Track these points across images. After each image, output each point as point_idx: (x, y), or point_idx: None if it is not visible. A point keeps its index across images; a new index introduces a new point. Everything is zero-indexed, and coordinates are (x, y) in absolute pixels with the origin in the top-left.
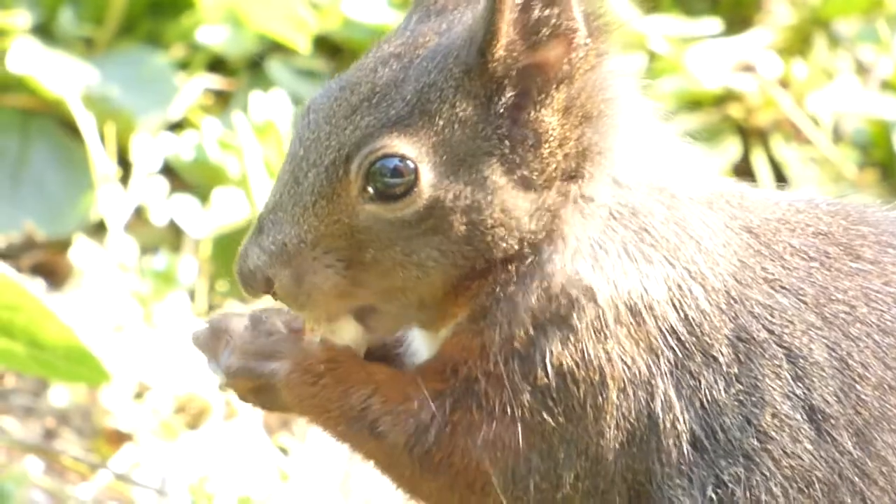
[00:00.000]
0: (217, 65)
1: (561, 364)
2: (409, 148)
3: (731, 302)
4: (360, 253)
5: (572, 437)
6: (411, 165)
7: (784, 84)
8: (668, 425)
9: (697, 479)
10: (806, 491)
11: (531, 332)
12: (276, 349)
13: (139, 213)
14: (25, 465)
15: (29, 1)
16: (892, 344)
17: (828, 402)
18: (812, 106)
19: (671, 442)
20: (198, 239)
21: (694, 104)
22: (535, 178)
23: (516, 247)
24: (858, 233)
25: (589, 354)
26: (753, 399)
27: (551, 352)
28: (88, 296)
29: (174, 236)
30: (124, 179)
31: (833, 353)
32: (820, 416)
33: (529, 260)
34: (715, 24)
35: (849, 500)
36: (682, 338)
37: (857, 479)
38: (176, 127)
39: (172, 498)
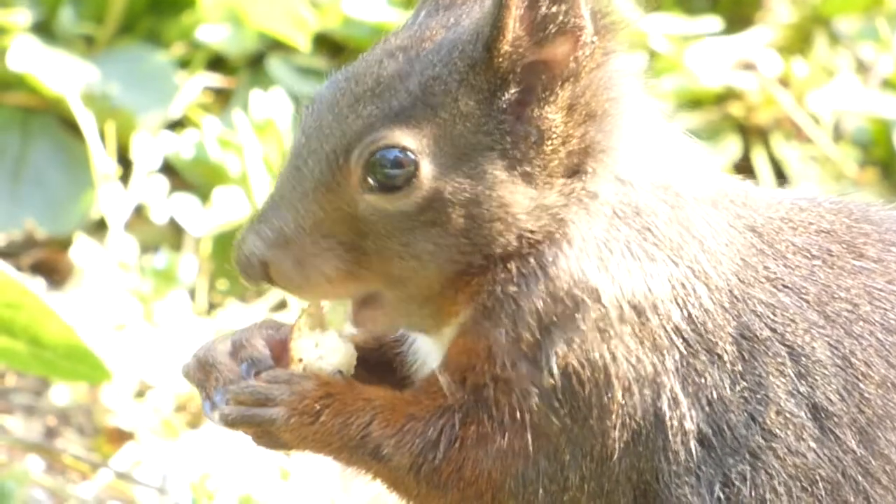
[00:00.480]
0: (217, 63)
1: (566, 365)
2: (410, 140)
3: (734, 300)
4: (359, 240)
5: (577, 439)
6: (412, 157)
7: (784, 82)
8: (676, 423)
9: (705, 477)
10: (809, 489)
11: (537, 334)
12: (269, 395)
13: (139, 211)
14: (26, 463)
15: None
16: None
17: (831, 400)
18: (812, 104)
19: (679, 440)
20: (198, 237)
21: (694, 103)
22: (536, 174)
23: (514, 243)
24: (861, 231)
25: (594, 355)
26: (758, 396)
27: (557, 353)
28: (89, 294)
29: (174, 235)
30: (125, 178)
31: (835, 352)
32: (823, 415)
33: (532, 260)
34: (715, 22)
35: (852, 499)
36: (687, 336)
37: (860, 477)
38: (176, 125)
39: (173, 496)
